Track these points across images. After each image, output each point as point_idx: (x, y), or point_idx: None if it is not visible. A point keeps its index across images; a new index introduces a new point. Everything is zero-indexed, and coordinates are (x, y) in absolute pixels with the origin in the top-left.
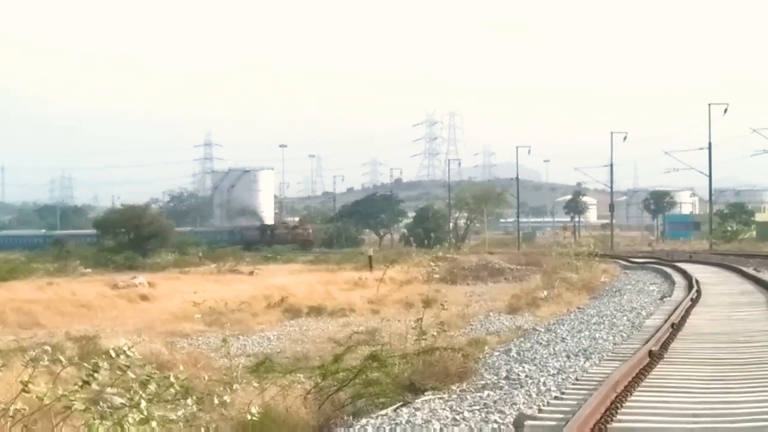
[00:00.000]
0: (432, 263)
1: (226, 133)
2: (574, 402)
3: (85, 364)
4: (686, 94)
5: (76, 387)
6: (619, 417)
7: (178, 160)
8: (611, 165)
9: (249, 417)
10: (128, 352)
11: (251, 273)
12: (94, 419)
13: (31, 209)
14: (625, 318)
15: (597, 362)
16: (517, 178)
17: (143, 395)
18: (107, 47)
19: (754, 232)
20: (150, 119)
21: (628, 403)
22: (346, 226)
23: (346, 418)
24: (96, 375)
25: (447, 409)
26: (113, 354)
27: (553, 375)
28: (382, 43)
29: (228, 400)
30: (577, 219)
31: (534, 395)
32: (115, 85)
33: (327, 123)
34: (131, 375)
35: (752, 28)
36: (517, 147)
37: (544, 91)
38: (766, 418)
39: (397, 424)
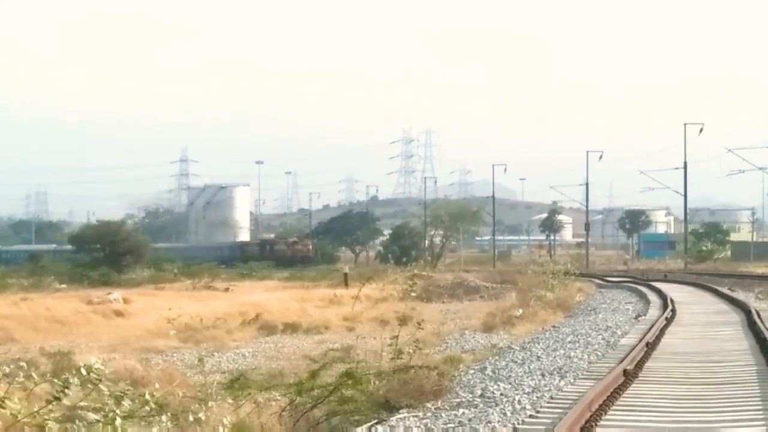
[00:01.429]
0: (409, 281)
1: (203, 149)
2: (549, 420)
3: (56, 381)
4: (662, 114)
5: (50, 404)
6: None
7: (154, 176)
8: (587, 184)
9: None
10: (98, 368)
11: (226, 289)
12: None
13: (6, 224)
14: (600, 337)
15: (572, 381)
16: (493, 196)
17: (118, 412)
18: (85, 60)
19: (729, 252)
20: (125, 135)
21: (602, 422)
22: (321, 243)
23: None
24: (67, 391)
25: (422, 427)
26: (84, 371)
27: (528, 393)
28: (358, 61)
29: (203, 417)
30: (552, 237)
31: (509, 413)
32: (91, 100)
33: (303, 140)
34: (104, 390)
35: (728, 51)
36: (493, 165)
37: (520, 110)
38: None
39: None
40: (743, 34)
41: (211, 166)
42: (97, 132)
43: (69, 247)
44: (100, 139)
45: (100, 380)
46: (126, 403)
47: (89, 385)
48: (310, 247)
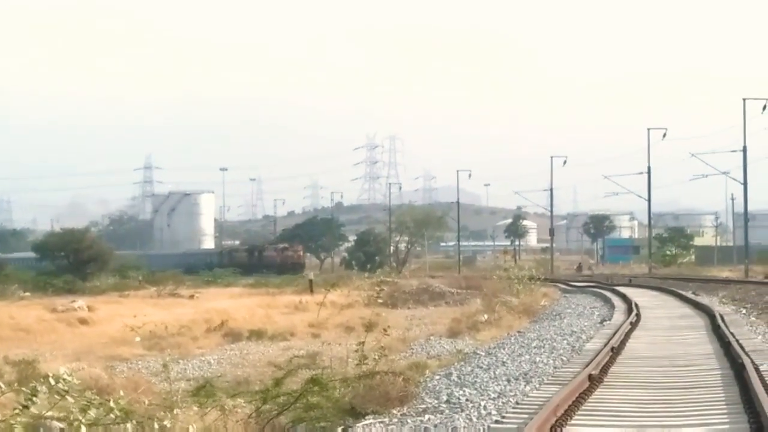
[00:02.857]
0: (376, 287)
1: (167, 156)
2: (515, 426)
3: (24, 389)
4: (625, 119)
5: (16, 412)
6: None
7: (117, 183)
8: (551, 189)
9: None
10: (66, 378)
11: (191, 297)
12: None
13: None
14: (565, 342)
15: (537, 386)
16: (458, 201)
17: (83, 421)
18: (45, 66)
19: (693, 256)
20: (88, 142)
21: (568, 427)
22: None
23: None
24: (35, 399)
25: None
26: (52, 381)
27: (493, 399)
28: (322, 66)
29: (168, 425)
30: (517, 243)
31: (474, 419)
32: (54, 108)
33: (268, 146)
34: (70, 400)
35: (691, 55)
36: (457, 171)
37: (483, 116)
38: None
39: None
40: (707, 38)
41: (175, 174)
42: (60, 139)
43: (32, 255)
44: (63, 146)
45: (67, 391)
46: (92, 412)
47: (56, 395)
48: (301, 253)
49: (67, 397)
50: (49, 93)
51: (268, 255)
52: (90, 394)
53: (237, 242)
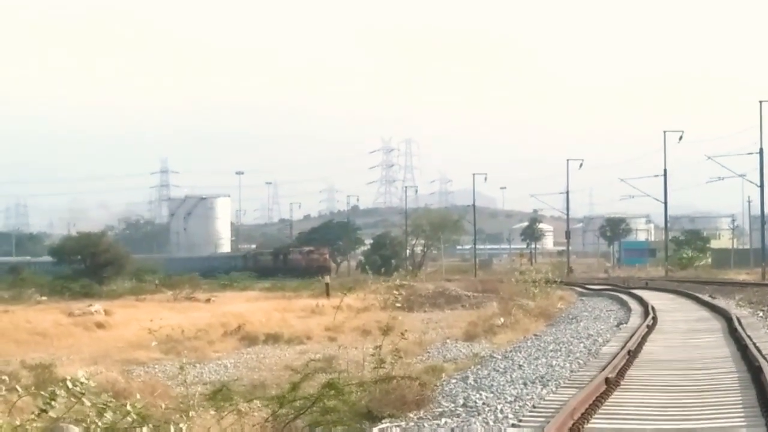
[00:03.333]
0: (394, 291)
1: (183, 160)
2: (532, 429)
3: (43, 393)
4: (642, 121)
5: (33, 416)
6: None
7: (134, 187)
8: (567, 192)
9: None
10: (84, 382)
11: (208, 300)
12: None
13: None
14: (581, 345)
15: (554, 389)
16: (474, 205)
17: (99, 424)
18: (62, 75)
19: (710, 259)
20: (105, 147)
21: (585, 430)
22: None
23: None
24: (53, 404)
25: None
26: (70, 384)
27: (510, 402)
28: (338, 71)
29: (184, 429)
30: (533, 246)
31: (491, 423)
32: (69, 112)
33: (283, 149)
34: (87, 403)
35: (707, 58)
36: (473, 174)
37: (500, 119)
38: None
39: None
40: (723, 41)
41: (191, 177)
42: (77, 143)
43: (49, 259)
44: (80, 150)
45: (84, 393)
46: (108, 416)
47: (72, 398)
48: (327, 256)
49: (83, 399)
50: (67, 98)
51: (294, 258)
52: (106, 397)
53: (253, 246)
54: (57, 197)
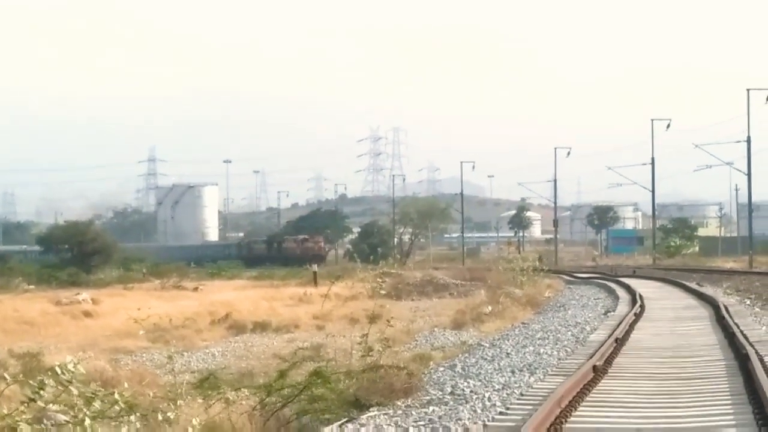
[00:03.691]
0: (378, 279)
1: (170, 148)
2: (519, 417)
3: (31, 382)
4: (629, 109)
5: (23, 405)
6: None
7: (121, 175)
8: (555, 180)
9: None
10: (73, 369)
11: (196, 289)
12: None
13: None
14: (569, 333)
15: (542, 377)
16: (462, 193)
17: (87, 413)
18: (52, 65)
19: (697, 247)
20: (92, 134)
21: (572, 418)
22: None
23: None
24: (42, 392)
25: (392, 424)
26: (59, 371)
27: (498, 390)
28: (325, 59)
29: (172, 417)
30: (521, 234)
31: (479, 411)
32: (57, 102)
33: (271, 138)
34: (74, 391)
35: (694, 46)
36: (461, 162)
37: (487, 107)
38: None
39: None
40: (710, 29)
41: (179, 166)
42: (63, 132)
43: (37, 247)
44: (66, 138)
45: (71, 382)
46: (96, 404)
47: (60, 387)
48: (322, 244)
49: (70, 387)
50: (53, 87)
51: (288, 246)
52: (94, 386)
53: (241, 234)
54: (44, 186)
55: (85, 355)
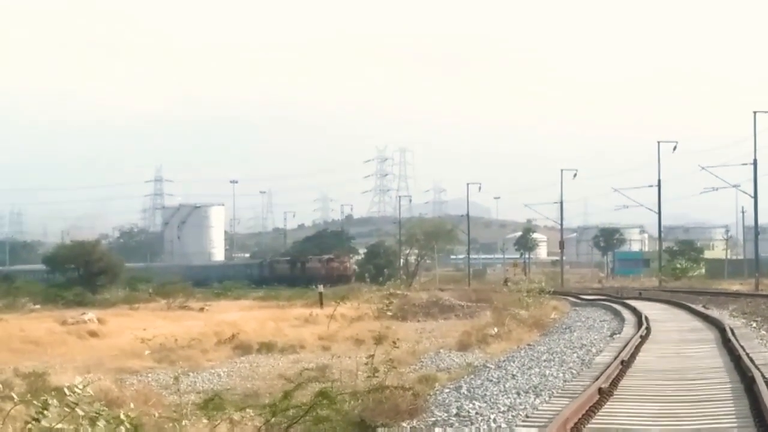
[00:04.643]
0: (385, 300)
1: (177, 168)
2: None
3: (35, 402)
4: (636, 132)
5: (27, 426)
6: None
7: (128, 195)
8: (561, 202)
9: None
10: (80, 390)
11: (202, 309)
12: None
13: None
14: (575, 355)
15: (547, 399)
16: (468, 214)
17: None
18: (54, 84)
19: (703, 270)
20: (98, 155)
21: None
22: None
23: None
24: (46, 412)
25: None
26: (66, 392)
27: (503, 412)
28: (332, 80)
29: None
30: (527, 256)
31: None
32: (63, 121)
33: (278, 158)
34: (80, 412)
35: (701, 68)
36: (467, 184)
37: (494, 128)
38: None
39: None
40: (718, 52)
41: (185, 186)
42: (70, 152)
43: (43, 267)
44: (73, 158)
45: (77, 403)
46: (101, 424)
47: (66, 408)
48: (348, 264)
49: (77, 409)
50: (59, 107)
51: (313, 267)
52: (99, 406)
53: (247, 255)
54: (51, 206)
55: (92, 376)
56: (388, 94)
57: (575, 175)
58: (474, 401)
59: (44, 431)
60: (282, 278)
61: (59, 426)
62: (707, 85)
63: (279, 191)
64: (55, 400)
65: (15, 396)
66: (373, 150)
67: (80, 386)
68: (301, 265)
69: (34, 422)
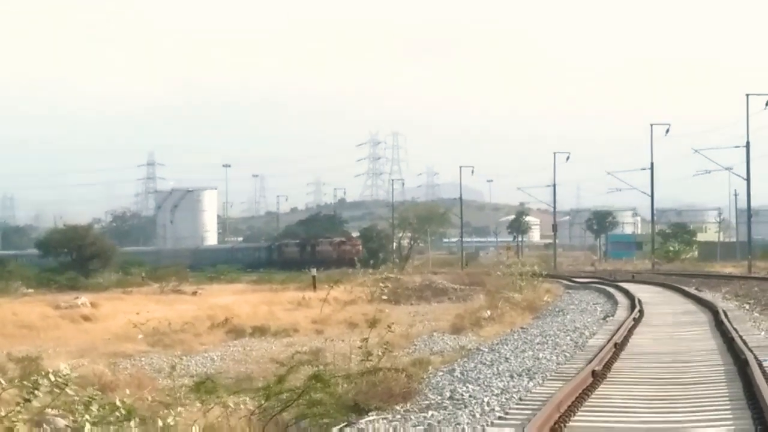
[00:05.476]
0: (380, 284)
1: (169, 152)
2: (518, 422)
3: (26, 383)
4: (629, 114)
5: (19, 408)
6: None
7: (120, 179)
8: (554, 185)
9: None
10: (67, 373)
11: (194, 293)
12: None
13: None
14: (568, 338)
15: (540, 382)
16: (461, 197)
17: (87, 417)
18: (44, 69)
19: (696, 252)
20: (91, 139)
21: (571, 423)
22: None
23: None
24: (37, 393)
25: (391, 429)
26: (52, 377)
27: (496, 395)
28: (324, 64)
29: (172, 423)
30: (520, 239)
31: (478, 415)
32: (57, 105)
33: (270, 142)
34: (71, 393)
35: (694, 51)
36: (460, 167)
37: (486, 112)
38: None
39: None
40: (710, 33)
41: (178, 170)
42: (63, 136)
43: (36, 251)
44: (66, 143)
45: (66, 384)
46: (94, 408)
47: (56, 390)
48: (360, 247)
49: (66, 390)
50: (52, 90)
51: (323, 249)
52: (92, 390)
53: (240, 239)
54: (43, 190)
55: (82, 361)
56: (380, 78)
57: (568, 158)
58: (467, 384)
59: (38, 411)
60: (291, 262)
61: (53, 411)
62: (700, 68)
63: (272, 175)
64: (45, 381)
65: (2, 381)
66: (365, 134)
67: (66, 370)
68: (311, 248)
69: (26, 403)
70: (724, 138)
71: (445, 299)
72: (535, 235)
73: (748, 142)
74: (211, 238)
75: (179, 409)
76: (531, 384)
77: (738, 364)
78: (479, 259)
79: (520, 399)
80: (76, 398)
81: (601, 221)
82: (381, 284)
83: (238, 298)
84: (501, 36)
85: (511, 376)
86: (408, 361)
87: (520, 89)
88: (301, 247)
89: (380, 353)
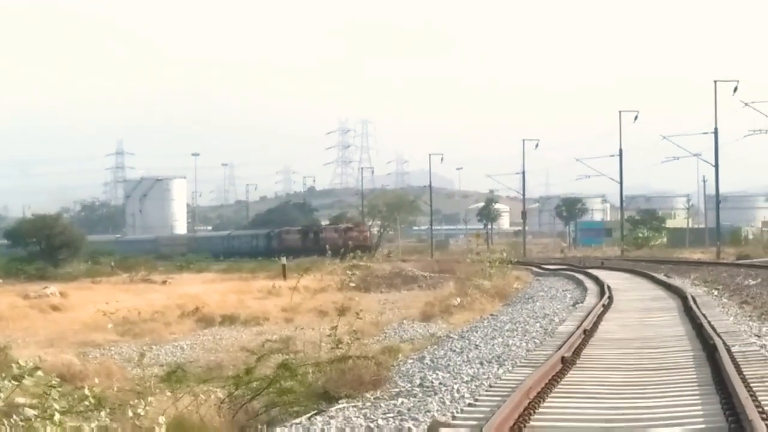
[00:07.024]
0: (348, 272)
1: (138, 141)
2: (488, 408)
3: None
4: (598, 102)
5: None
6: (531, 423)
7: (89, 169)
8: (523, 172)
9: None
10: (24, 364)
11: (164, 282)
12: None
13: None
14: (537, 324)
15: (510, 369)
16: (430, 185)
17: (57, 407)
18: (19, 56)
19: (665, 239)
20: (59, 128)
21: (541, 409)
22: None
23: (260, 426)
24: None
25: (361, 417)
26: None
27: (466, 382)
28: (292, 51)
29: (142, 412)
30: (489, 226)
31: (448, 402)
32: (24, 95)
33: (239, 131)
34: (27, 383)
35: (662, 38)
36: (429, 155)
37: (455, 99)
38: (678, 423)
39: None
40: (678, 22)
41: (147, 159)
42: (30, 126)
43: (4, 241)
44: (33, 132)
45: (23, 376)
46: (54, 394)
47: (14, 381)
48: (368, 234)
49: (24, 381)
50: (20, 79)
51: (328, 236)
52: (51, 378)
53: (209, 228)
54: (11, 180)
55: (51, 350)
56: (348, 65)
57: (537, 146)
58: (437, 371)
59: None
60: (292, 249)
61: (23, 400)
62: (668, 54)
63: (241, 164)
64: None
65: None
66: (335, 121)
67: (23, 360)
68: (314, 235)
69: None
70: (692, 125)
71: (415, 287)
72: (504, 223)
73: (716, 129)
74: (181, 227)
75: (149, 398)
76: (501, 371)
77: (707, 350)
78: (449, 247)
79: (490, 386)
80: (31, 384)
81: (570, 208)
82: (348, 272)
83: (208, 287)
84: (472, 24)
85: (481, 363)
86: (378, 348)
87: (489, 76)
88: (303, 234)
89: (350, 341)
